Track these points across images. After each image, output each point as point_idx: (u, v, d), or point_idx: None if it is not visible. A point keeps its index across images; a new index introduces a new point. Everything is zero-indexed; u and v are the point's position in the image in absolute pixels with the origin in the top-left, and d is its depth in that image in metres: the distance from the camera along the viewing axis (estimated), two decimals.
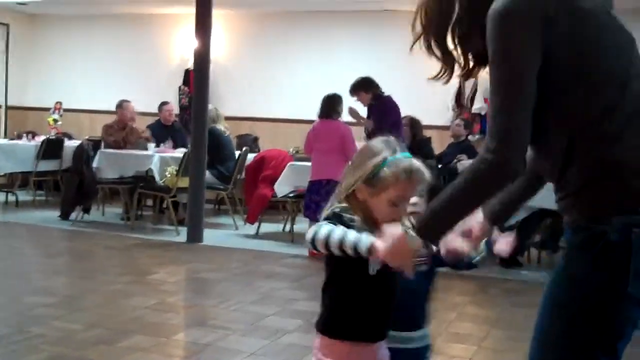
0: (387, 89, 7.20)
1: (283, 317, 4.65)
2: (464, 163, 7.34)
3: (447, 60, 1.81)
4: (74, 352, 3.80)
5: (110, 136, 8.60)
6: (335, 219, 1.90)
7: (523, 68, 1.63)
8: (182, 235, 7.39)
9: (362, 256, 1.79)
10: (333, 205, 1.98)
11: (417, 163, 1.94)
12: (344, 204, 1.96)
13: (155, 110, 9.17)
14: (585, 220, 1.69)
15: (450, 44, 1.79)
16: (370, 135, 7.09)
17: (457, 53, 1.80)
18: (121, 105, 8.79)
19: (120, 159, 8.22)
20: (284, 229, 8.03)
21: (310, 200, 6.74)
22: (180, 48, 10.66)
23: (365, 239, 1.78)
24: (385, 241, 1.75)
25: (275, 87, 10.19)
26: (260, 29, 10.41)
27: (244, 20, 10.48)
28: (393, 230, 1.75)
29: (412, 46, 1.82)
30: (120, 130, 8.71)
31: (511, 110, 1.63)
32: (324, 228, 1.83)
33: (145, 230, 7.91)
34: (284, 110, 10.07)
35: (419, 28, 1.81)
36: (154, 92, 10.12)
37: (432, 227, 1.73)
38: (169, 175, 7.69)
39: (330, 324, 1.99)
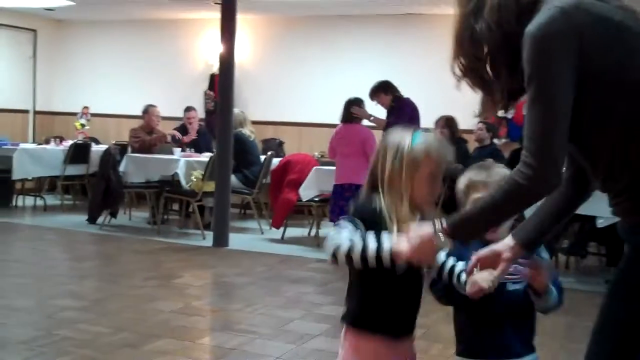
0: (409, 93, 7.19)
1: (309, 322, 4.64)
2: None
3: (489, 95, 1.90)
4: (101, 355, 3.83)
5: (136, 140, 8.66)
6: (354, 216, 1.98)
7: (559, 87, 1.69)
8: (208, 239, 7.41)
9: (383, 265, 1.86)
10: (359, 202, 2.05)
11: (437, 138, 2.09)
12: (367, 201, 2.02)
13: (181, 114, 9.23)
14: None
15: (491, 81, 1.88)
16: None
17: (496, 89, 1.87)
18: (147, 110, 8.85)
19: (146, 163, 8.27)
20: (309, 234, 8.02)
21: (335, 204, 6.74)
22: (206, 53, 10.71)
23: (386, 246, 1.85)
24: (410, 240, 1.82)
25: (300, 91, 10.19)
26: (284, 34, 10.44)
27: (269, 25, 10.51)
28: (422, 230, 1.83)
29: (459, 83, 1.91)
30: (147, 135, 8.77)
31: (548, 128, 1.69)
32: (344, 241, 1.88)
33: (171, 235, 7.95)
34: (309, 114, 10.07)
35: (458, 73, 1.89)
36: (179, 96, 10.16)
37: (464, 230, 1.82)
38: (195, 180, 7.72)
39: (361, 318, 2.04)
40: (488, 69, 1.84)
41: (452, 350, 4.10)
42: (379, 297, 2.01)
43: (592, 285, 5.88)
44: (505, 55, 1.77)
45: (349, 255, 1.86)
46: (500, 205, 1.77)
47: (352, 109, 6.92)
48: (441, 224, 1.80)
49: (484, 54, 1.83)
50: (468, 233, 1.83)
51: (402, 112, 6.96)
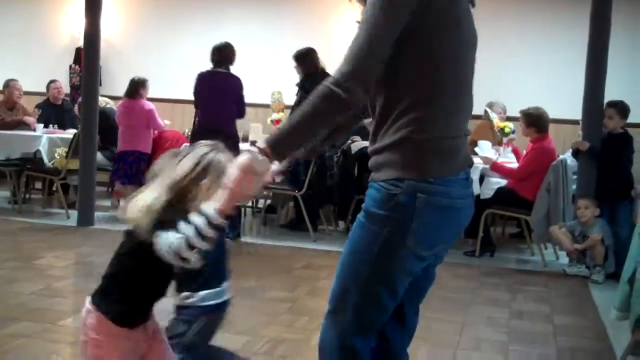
0: (272, 64, 7.25)
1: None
2: (358, 144, 7.45)
3: None
4: None
5: None
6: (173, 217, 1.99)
7: (392, 17, 1.84)
8: (72, 218, 7.21)
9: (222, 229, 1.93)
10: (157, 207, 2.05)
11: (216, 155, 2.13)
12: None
13: (44, 89, 8.88)
14: (385, 180, 1.92)
15: None
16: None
17: None
18: (7, 84, 8.48)
19: (6, 139, 7.89)
20: None
21: (119, 169, 7.55)
22: (71, 26, 10.32)
23: (211, 212, 1.90)
24: (230, 177, 1.86)
25: (171, 68, 9.99)
26: (154, 7, 10.19)
27: None
28: (239, 160, 1.86)
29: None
30: (9, 110, 8.40)
31: (369, 47, 1.83)
32: (179, 239, 1.93)
33: (33, 214, 7.66)
34: (180, 91, 9.90)
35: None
36: (43, 70, 9.73)
37: (280, 145, 1.87)
38: (58, 157, 7.50)
39: (122, 315, 2.16)
40: None
41: (317, 322, 4.23)
42: (145, 296, 2.18)
43: (451, 257, 6.15)
44: None
45: (190, 246, 1.91)
46: (310, 112, 1.85)
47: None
48: (257, 147, 1.84)
49: None
50: (285, 147, 1.88)
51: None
